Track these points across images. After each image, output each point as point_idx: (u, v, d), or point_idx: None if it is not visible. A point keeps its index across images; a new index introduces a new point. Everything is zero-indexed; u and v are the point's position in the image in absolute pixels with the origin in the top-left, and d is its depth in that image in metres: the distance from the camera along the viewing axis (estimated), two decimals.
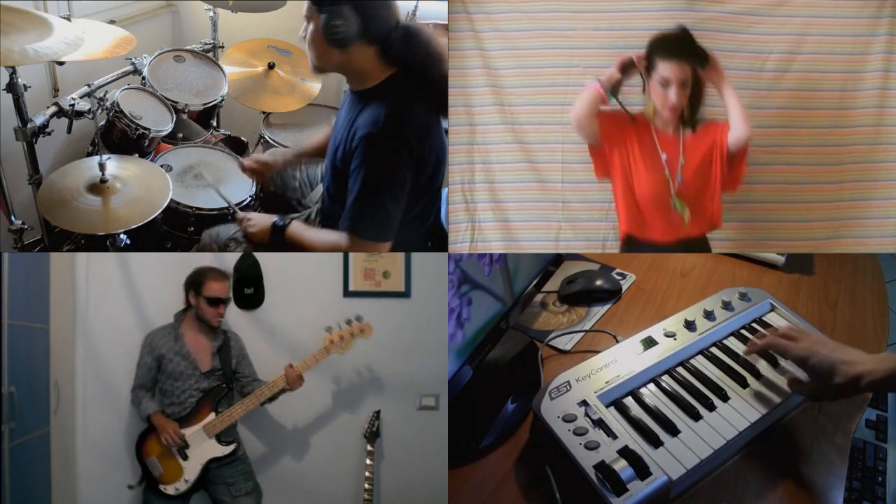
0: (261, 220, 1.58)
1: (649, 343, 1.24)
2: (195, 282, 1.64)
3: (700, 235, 1.53)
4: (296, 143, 2.13)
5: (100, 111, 1.84)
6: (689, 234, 1.51)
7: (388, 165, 1.38)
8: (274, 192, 1.92)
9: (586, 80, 1.74)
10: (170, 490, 1.59)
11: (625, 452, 1.01)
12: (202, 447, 1.62)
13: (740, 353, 1.24)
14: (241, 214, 1.63)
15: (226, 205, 1.85)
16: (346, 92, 1.55)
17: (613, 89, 1.49)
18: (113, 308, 1.78)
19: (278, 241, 1.55)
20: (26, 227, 1.83)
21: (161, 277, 1.75)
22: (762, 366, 1.21)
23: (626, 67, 1.48)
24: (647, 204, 1.51)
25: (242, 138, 2.33)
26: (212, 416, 1.62)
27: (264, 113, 2.30)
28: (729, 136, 1.47)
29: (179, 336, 1.65)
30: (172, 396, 1.63)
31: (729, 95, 1.47)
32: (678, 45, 1.46)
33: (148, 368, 1.64)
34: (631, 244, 1.55)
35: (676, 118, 1.50)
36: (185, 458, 1.60)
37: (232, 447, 1.64)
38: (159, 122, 2.01)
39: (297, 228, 1.54)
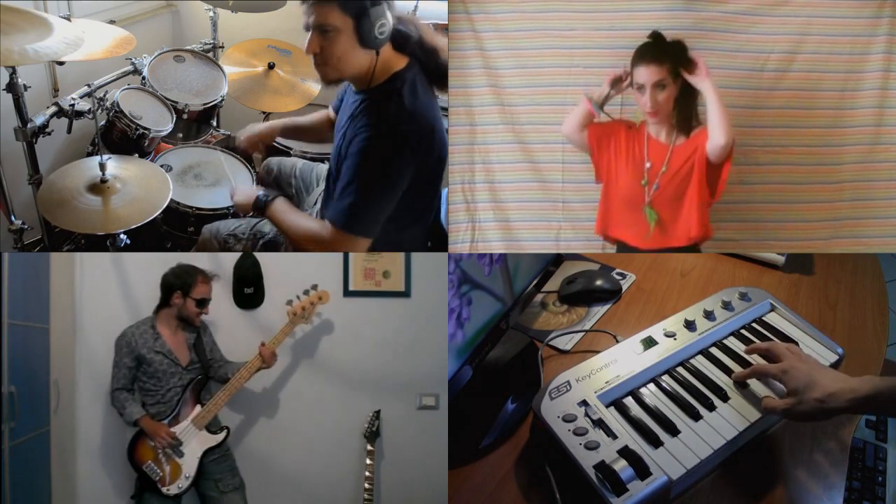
0: (246, 190, 1.56)
1: (649, 343, 1.24)
2: (185, 283, 1.64)
3: (681, 247, 1.52)
4: (296, 142, 2.13)
5: (100, 111, 1.84)
6: (668, 244, 1.51)
7: (385, 162, 1.37)
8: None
9: (587, 79, 1.74)
10: (173, 490, 1.59)
11: (625, 452, 1.01)
12: (195, 441, 1.62)
13: (740, 352, 1.24)
14: (232, 187, 1.62)
15: (226, 204, 1.85)
16: (346, 90, 1.54)
17: (602, 104, 1.53)
18: (113, 308, 1.78)
19: (259, 213, 1.52)
20: (26, 227, 1.83)
21: (161, 277, 1.75)
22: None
23: (615, 83, 1.51)
24: (620, 207, 1.55)
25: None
26: (198, 408, 1.63)
27: (264, 113, 2.30)
28: (707, 144, 1.46)
29: (158, 335, 1.65)
30: (157, 395, 1.62)
31: (710, 99, 1.43)
32: (647, 49, 1.48)
33: (128, 369, 1.63)
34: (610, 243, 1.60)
35: (668, 123, 1.51)
36: (181, 455, 1.61)
37: (223, 434, 1.65)
38: (159, 122, 2.00)
39: (280, 208, 1.50)
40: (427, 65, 1.45)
